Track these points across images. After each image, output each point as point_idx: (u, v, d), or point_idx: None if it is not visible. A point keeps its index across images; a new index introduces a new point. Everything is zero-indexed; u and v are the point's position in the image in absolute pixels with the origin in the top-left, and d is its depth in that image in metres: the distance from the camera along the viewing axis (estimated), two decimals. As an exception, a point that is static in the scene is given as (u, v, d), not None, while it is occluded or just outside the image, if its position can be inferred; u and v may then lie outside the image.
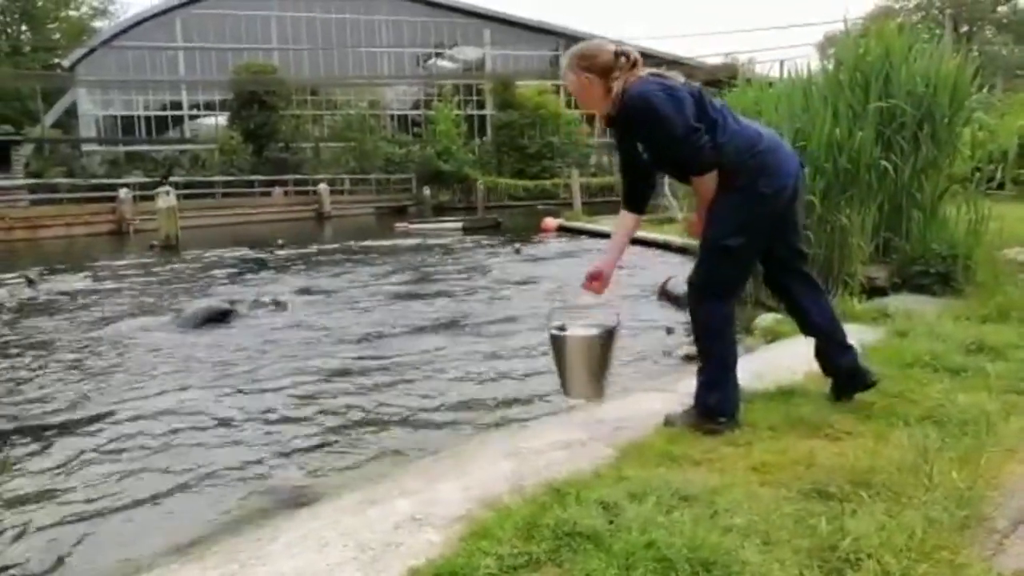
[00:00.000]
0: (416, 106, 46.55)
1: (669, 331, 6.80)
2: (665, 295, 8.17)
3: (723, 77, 10.90)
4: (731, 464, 2.60)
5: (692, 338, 3.29)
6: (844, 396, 3.15)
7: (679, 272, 9.20)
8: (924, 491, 2.24)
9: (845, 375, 3.16)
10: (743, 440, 2.82)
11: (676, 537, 1.94)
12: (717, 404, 2.97)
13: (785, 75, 7.92)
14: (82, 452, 4.48)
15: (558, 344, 3.35)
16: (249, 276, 13.68)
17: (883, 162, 6.21)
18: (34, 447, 4.62)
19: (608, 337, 3.30)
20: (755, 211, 2.90)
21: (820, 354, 3.23)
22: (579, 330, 3.36)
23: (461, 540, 2.13)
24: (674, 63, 47.52)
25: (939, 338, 4.10)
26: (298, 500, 3.51)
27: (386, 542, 2.22)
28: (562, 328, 3.39)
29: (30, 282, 12.52)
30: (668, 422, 3.04)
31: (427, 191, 37.63)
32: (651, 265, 12.20)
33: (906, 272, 6.21)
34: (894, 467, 2.40)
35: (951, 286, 5.93)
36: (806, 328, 3.24)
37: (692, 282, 3.10)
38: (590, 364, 3.29)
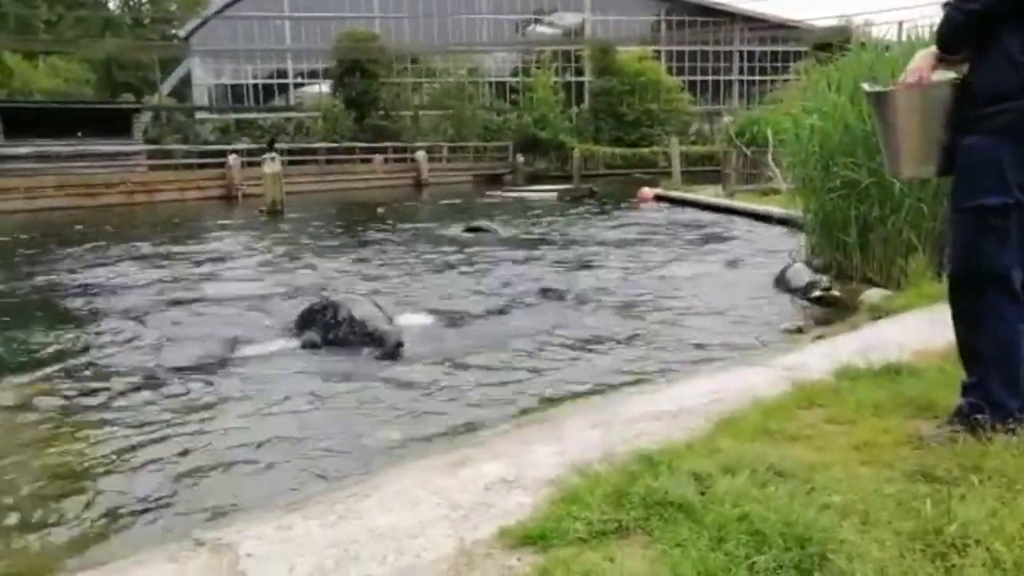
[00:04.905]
0: (514, 73, 46.32)
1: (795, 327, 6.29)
2: (782, 284, 7.56)
3: (835, 41, 10.35)
4: (831, 442, 2.51)
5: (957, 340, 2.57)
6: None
7: (792, 247, 8.89)
8: (1042, 479, 2.10)
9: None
10: (845, 418, 2.72)
11: (770, 512, 1.90)
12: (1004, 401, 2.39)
13: (904, 38, 7.49)
14: (208, 405, 4.77)
15: (882, 102, 2.63)
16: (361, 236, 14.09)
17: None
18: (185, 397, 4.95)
19: (949, 90, 2.49)
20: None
21: None
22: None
23: (551, 504, 2.15)
24: (782, 27, 45.70)
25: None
26: (391, 459, 3.63)
27: (477, 502, 2.26)
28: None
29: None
30: (929, 440, 2.45)
31: (521, 159, 37.63)
32: (766, 241, 11.88)
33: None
34: (1010, 452, 2.26)
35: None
36: None
37: (951, 272, 2.57)
38: (926, 125, 2.52)
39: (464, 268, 10.05)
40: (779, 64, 44.72)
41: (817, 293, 6.87)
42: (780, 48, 46.40)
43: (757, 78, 47.46)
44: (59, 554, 3.01)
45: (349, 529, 2.15)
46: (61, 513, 3.35)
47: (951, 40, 2.46)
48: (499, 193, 25.90)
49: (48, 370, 5.57)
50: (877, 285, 6.53)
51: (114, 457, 3.93)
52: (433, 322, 6.75)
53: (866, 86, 2.80)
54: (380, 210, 20.61)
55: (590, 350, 5.71)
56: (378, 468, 3.29)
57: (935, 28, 2.52)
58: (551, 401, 4.45)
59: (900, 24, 7.78)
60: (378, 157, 34.58)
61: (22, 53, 41.31)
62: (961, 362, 2.54)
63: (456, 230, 14.86)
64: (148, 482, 3.63)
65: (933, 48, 2.50)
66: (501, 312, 7.15)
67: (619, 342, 5.92)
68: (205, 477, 3.68)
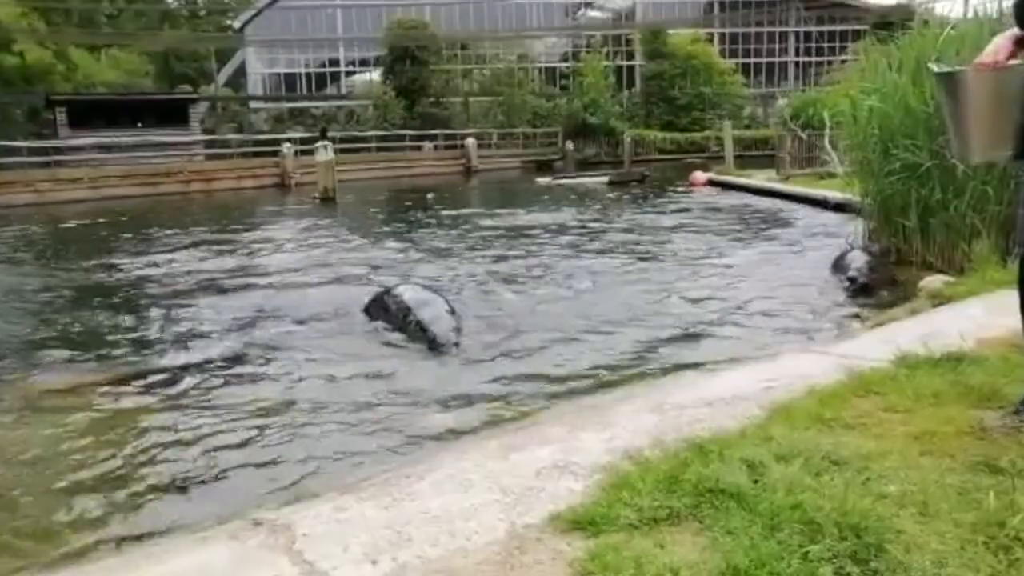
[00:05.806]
0: (564, 58, 45.97)
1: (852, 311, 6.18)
2: (839, 270, 7.24)
3: (896, 20, 10.03)
4: (888, 431, 2.46)
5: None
6: None
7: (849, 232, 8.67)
8: (1112, 471, 2.03)
9: None
10: (903, 407, 2.66)
11: (824, 500, 1.87)
12: None
13: (970, 14, 7.21)
14: (271, 388, 4.89)
15: (953, 83, 2.51)
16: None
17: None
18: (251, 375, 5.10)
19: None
20: None
21: None
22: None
23: (602, 490, 2.15)
24: (839, 5, 44.44)
25: None
26: (444, 444, 3.67)
27: (528, 486, 2.28)
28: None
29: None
30: (993, 430, 2.38)
31: (570, 145, 37.41)
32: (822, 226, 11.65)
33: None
34: (1078, 443, 2.19)
35: None
36: None
37: (1021, 257, 2.45)
38: (1000, 107, 2.40)
39: (515, 255, 10.06)
40: (836, 44, 43.50)
41: (846, 283, 6.66)
42: (837, 28, 45.08)
43: (813, 59, 46.24)
44: (126, 530, 3.12)
45: (402, 511, 2.18)
46: (129, 491, 3.47)
47: None
48: (549, 179, 25.80)
49: (113, 353, 5.77)
50: (938, 271, 6.35)
51: (174, 439, 4.05)
52: (487, 310, 6.78)
53: (934, 67, 2.68)
54: (430, 196, 20.73)
55: (642, 337, 5.67)
56: (430, 452, 3.34)
57: (1012, 4, 2.40)
58: (602, 388, 4.44)
59: (966, 0, 7.50)
60: (428, 144, 34.72)
61: (86, 47, 42.52)
62: None
63: (505, 217, 14.87)
64: (207, 463, 3.74)
65: (1013, 30, 2.39)
66: (554, 299, 7.15)
67: (671, 329, 5.87)
68: (263, 459, 3.77)
